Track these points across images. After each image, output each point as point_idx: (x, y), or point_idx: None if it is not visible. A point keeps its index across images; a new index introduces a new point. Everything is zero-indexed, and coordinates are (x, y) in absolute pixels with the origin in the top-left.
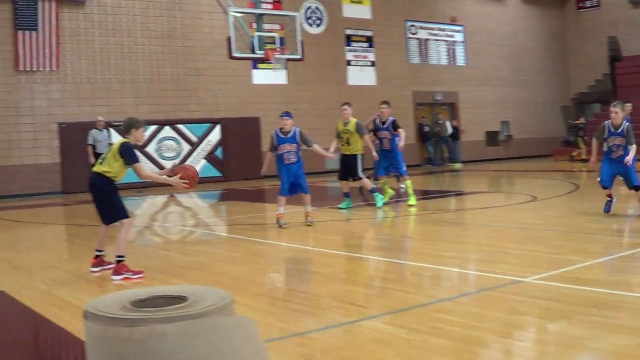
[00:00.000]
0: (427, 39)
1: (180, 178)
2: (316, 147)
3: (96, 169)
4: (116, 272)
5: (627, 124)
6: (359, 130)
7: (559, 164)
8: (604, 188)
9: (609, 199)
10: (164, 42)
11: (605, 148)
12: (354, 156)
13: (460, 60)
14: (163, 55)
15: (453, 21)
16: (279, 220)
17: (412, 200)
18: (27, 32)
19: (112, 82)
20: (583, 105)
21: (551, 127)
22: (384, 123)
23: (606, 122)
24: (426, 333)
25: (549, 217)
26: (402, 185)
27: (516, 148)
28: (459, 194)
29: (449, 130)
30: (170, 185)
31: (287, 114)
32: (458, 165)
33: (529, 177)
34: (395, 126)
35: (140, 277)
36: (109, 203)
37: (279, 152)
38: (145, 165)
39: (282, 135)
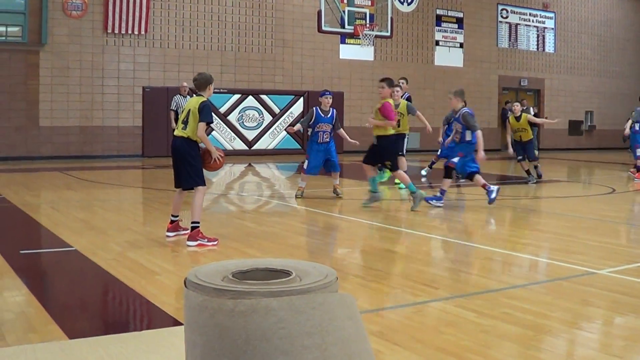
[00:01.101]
0: (518, 24)
1: (218, 160)
2: (342, 132)
3: (180, 133)
4: (191, 238)
5: None
6: (410, 110)
7: None
8: None
9: None
10: (254, 12)
11: None
12: (402, 135)
13: (549, 47)
14: (252, 25)
15: (545, 7)
16: (298, 192)
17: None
18: None
19: (199, 49)
20: None
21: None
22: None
23: None
24: (496, 318)
25: (627, 210)
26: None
27: (598, 139)
28: (537, 181)
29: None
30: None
31: (329, 93)
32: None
33: (609, 168)
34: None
35: (214, 245)
36: (191, 168)
37: (315, 130)
38: None
39: (322, 115)
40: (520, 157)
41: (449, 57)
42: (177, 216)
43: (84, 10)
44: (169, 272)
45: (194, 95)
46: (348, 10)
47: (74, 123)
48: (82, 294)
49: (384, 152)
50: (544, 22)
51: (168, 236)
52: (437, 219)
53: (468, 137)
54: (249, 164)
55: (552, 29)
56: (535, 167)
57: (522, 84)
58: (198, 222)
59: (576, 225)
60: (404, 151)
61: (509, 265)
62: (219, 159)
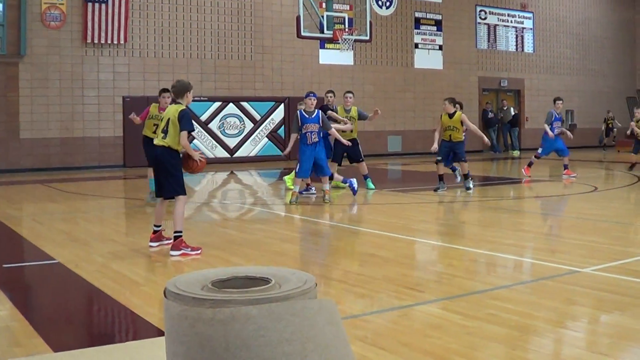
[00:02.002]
0: (496, 25)
1: (200, 161)
2: (333, 131)
3: (160, 142)
4: (174, 247)
5: None
6: (361, 116)
7: (621, 155)
8: None
9: None
10: (233, 18)
11: None
12: (354, 141)
13: (528, 47)
14: (231, 32)
15: (523, 7)
16: (292, 198)
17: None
18: (96, 4)
19: (178, 57)
20: None
21: (616, 118)
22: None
23: None
24: (482, 320)
25: (609, 209)
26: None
27: (580, 137)
28: (518, 181)
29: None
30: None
31: (313, 94)
32: (516, 153)
33: (590, 167)
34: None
35: (198, 254)
36: (171, 177)
37: (303, 132)
38: None
39: (307, 115)
40: (439, 158)
41: (428, 59)
42: (159, 226)
43: (63, 21)
44: (152, 283)
45: (173, 103)
46: (327, 15)
47: (55, 134)
48: (66, 306)
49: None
50: (522, 23)
51: (151, 246)
52: (420, 223)
53: None
54: (231, 171)
55: (531, 29)
56: (464, 175)
57: (502, 84)
58: (181, 232)
59: (559, 224)
60: (362, 156)
61: (493, 267)
62: (200, 160)
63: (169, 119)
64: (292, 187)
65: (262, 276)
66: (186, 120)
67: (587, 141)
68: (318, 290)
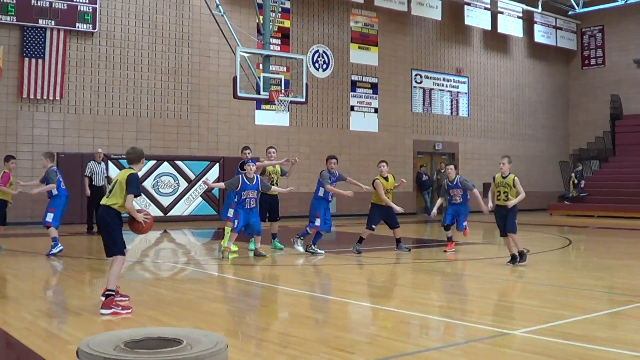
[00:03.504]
0: (432, 89)
1: (145, 222)
2: (275, 188)
3: (103, 202)
4: (105, 306)
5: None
6: (282, 173)
7: (554, 218)
8: None
9: None
10: (170, 77)
11: None
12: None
13: (463, 111)
14: (167, 90)
15: (458, 72)
16: (224, 253)
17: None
18: (33, 60)
19: (114, 115)
20: (582, 161)
21: (549, 181)
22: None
23: None
24: None
25: (541, 271)
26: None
27: None
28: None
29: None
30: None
31: (253, 161)
32: None
33: (523, 230)
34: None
35: (128, 313)
36: (109, 237)
37: (242, 198)
38: None
39: (248, 182)
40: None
41: (364, 122)
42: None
43: None
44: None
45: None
46: (263, 77)
47: None
48: None
49: None
50: (457, 87)
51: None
52: (352, 284)
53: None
54: (164, 230)
55: (466, 93)
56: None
57: (436, 147)
58: (113, 291)
59: (491, 287)
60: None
61: (425, 328)
62: (145, 221)
63: (117, 180)
64: (228, 245)
65: (174, 337)
66: (135, 184)
67: (522, 204)
68: (250, 351)
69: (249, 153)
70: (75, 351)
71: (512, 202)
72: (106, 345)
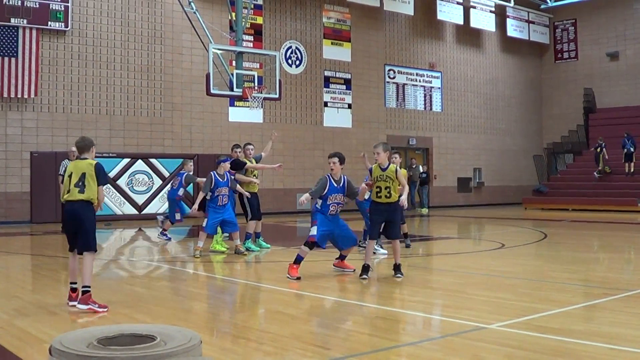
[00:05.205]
0: (405, 84)
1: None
2: (239, 188)
3: (77, 196)
4: (82, 301)
5: None
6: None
7: (528, 212)
8: None
9: None
10: (143, 75)
11: None
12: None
13: (437, 106)
14: (140, 88)
15: (432, 67)
16: (196, 252)
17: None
18: (6, 59)
19: (87, 113)
20: (556, 155)
21: (523, 175)
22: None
23: None
24: None
25: (516, 265)
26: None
27: (487, 195)
28: (427, 239)
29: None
30: None
31: (228, 159)
32: (424, 211)
33: (498, 224)
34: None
35: (105, 311)
36: (86, 232)
37: (215, 195)
38: None
39: (220, 179)
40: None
41: (337, 118)
42: (76, 283)
43: None
44: None
45: (78, 159)
46: (236, 73)
47: None
48: None
49: None
50: (430, 82)
51: (72, 306)
52: (327, 280)
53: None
54: (139, 228)
55: (439, 88)
56: None
57: (410, 143)
58: (89, 287)
59: (466, 281)
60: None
61: (400, 323)
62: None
63: (83, 173)
64: (221, 248)
65: (148, 334)
66: (104, 174)
67: (496, 199)
68: (225, 348)
69: (239, 152)
70: (48, 349)
71: (403, 197)
72: (79, 343)
